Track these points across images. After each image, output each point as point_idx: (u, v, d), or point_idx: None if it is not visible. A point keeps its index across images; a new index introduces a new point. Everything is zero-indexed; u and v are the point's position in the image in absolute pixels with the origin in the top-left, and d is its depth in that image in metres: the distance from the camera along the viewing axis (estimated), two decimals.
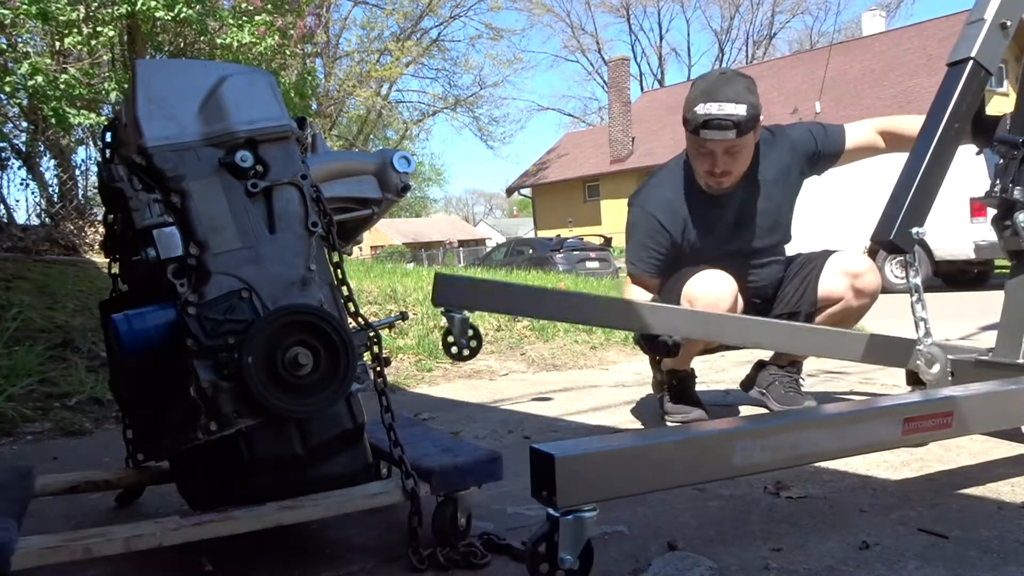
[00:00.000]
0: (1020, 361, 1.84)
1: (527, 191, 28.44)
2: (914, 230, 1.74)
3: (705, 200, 2.22)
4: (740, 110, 2.02)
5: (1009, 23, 1.83)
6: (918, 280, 1.82)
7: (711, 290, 2.12)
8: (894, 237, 1.74)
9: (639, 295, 2.22)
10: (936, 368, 1.88)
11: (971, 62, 1.80)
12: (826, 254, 2.32)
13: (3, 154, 6.57)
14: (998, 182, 1.87)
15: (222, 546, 1.23)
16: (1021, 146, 1.86)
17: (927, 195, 1.78)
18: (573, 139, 29.15)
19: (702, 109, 2.04)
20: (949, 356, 1.97)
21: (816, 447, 1.33)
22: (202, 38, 7.84)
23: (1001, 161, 1.89)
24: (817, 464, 1.83)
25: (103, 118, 6.51)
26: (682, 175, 2.25)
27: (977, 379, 1.85)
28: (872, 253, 9.24)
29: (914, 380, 1.97)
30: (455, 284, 2.05)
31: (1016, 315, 1.88)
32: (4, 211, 6.24)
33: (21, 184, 8.90)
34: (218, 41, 7.93)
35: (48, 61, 6.57)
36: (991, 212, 1.90)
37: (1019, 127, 1.90)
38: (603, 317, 2.16)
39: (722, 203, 2.23)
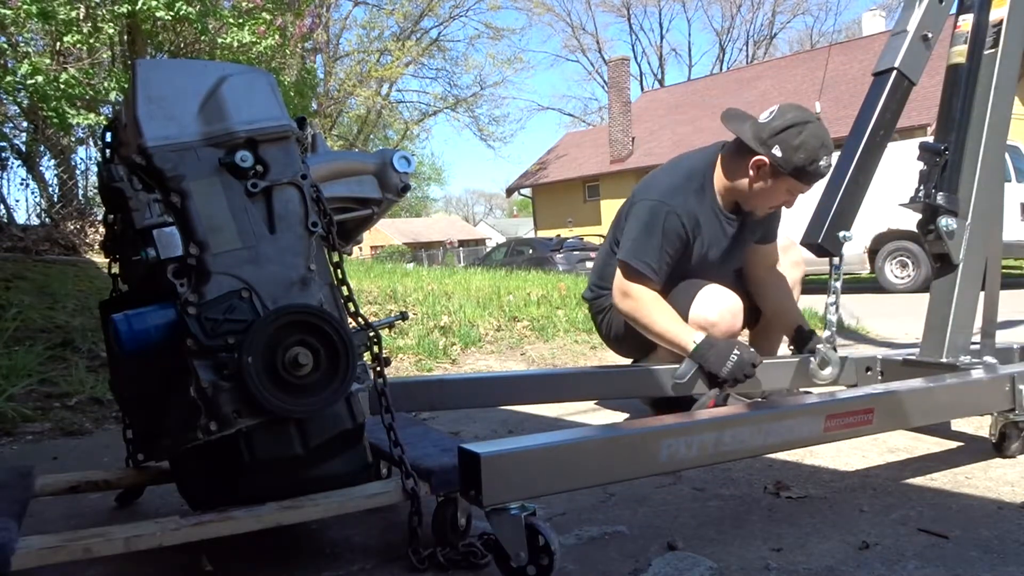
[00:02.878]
0: (943, 360, 1.88)
1: (527, 191, 28.39)
2: (841, 234, 1.80)
3: (718, 220, 2.24)
4: None
5: (930, 35, 1.91)
6: (838, 284, 1.89)
7: (727, 309, 2.17)
8: (822, 240, 1.81)
9: (658, 301, 2.15)
10: (828, 370, 1.96)
11: (895, 72, 1.88)
12: None
13: (3, 154, 6.57)
14: (922, 187, 1.93)
15: (222, 546, 1.23)
16: (943, 153, 1.91)
17: (853, 200, 1.85)
18: (573, 139, 29.10)
19: (827, 162, 2.04)
20: (879, 356, 2.10)
21: (741, 444, 1.37)
22: (203, 38, 7.83)
23: (925, 167, 1.94)
24: (817, 464, 1.83)
25: (103, 118, 6.51)
26: (704, 190, 2.23)
27: (904, 377, 1.92)
28: (872, 253, 9.25)
29: None
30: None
31: (940, 315, 1.92)
32: (4, 211, 6.24)
33: (21, 184, 8.91)
34: (219, 40, 7.93)
35: (48, 61, 6.57)
36: (917, 216, 1.96)
37: (942, 134, 1.95)
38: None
39: (732, 227, 2.26)
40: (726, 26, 45.61)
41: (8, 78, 6.30)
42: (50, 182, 7.06)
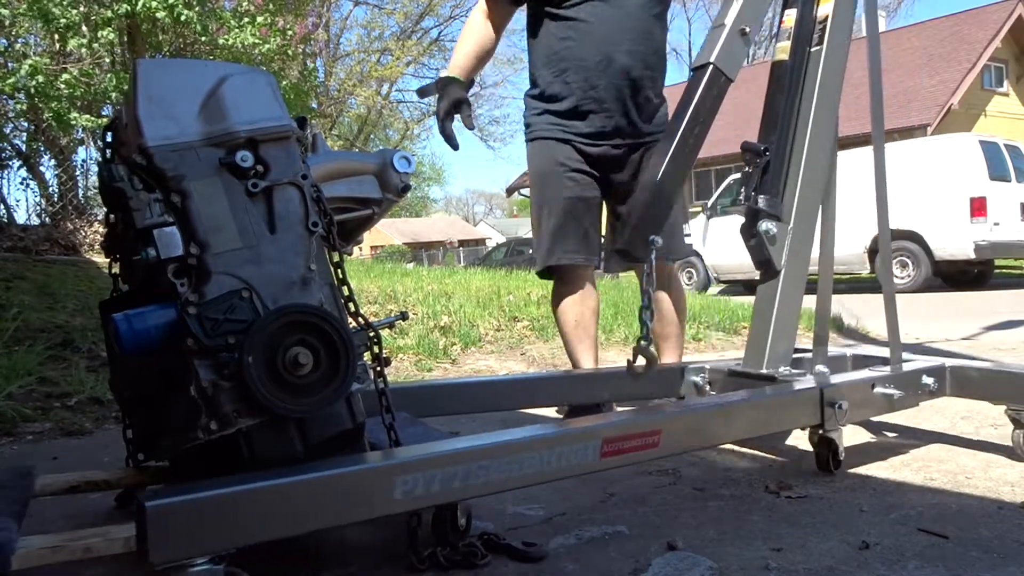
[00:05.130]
0: (764, 371, 1.78)
1: (527, 191, 28.37)
2: (652, 238, 1.67)
3: None
4: None
5: (748, 29, 1.82)
6: (651, 288, 1.75)
7: None
8: (628, 245, 1.73)
9: None
10: (641, 361, 1.77)
11: (711, 67, 1.78)
12: None
13: (3, 154, 6.58)
14: (743, 190, 1.85)
15: None
16: (764, 154, 1.82)
17: (666, 203, 1.74)
18: None
19: None
20: (706, 365, 2.01)
21: (497, 476, 1.22)
22: (202, 39, 7.84)
23: (748, 169, 1.85)
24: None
25: (103, 119, 6.52)
26: None
27: (729, 388, 1.84)
28: (872, 253, 9.25)
29: None
30: None
31: (762, 324, 1.83)
32: (4, 211, 6.26)
33: (21, 184, 8.92)
34: (219, 41, 7.93)
35: (47, 62, 6.57)
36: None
37: (764, 134, 1.86)
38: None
39: None
40: None
41: (10, 79, 6.31)
42: (50, 182, 7.08)
